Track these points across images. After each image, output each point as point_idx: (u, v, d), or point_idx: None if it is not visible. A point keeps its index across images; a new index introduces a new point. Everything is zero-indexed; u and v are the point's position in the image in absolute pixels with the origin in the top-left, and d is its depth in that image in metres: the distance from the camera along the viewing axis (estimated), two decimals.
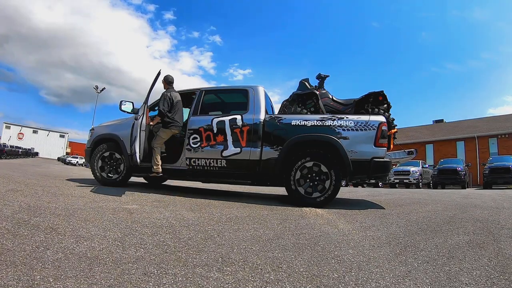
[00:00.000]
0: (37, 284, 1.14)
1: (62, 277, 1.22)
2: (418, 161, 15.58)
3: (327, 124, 3.63)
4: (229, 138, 3.86)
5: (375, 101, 4.21)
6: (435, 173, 13.67)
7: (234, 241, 1.92)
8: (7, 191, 3.09)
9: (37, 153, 48.06)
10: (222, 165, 3.89)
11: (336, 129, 3.58)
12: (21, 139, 52.17)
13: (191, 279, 1.30)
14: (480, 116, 30.37)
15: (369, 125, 3.55)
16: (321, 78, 4.62)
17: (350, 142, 3.52)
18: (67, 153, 52.27)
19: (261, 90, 4.09)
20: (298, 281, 1.34)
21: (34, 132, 56.85)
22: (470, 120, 25.51)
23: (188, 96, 4.56)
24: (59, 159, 42.08)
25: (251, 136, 3.80)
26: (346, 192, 6.80)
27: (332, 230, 2.38)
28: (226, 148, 3.85)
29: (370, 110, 4.13)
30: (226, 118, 3.93)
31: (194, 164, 4.01)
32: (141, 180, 6.24)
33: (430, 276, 1.46)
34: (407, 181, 13.92)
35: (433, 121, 29.26)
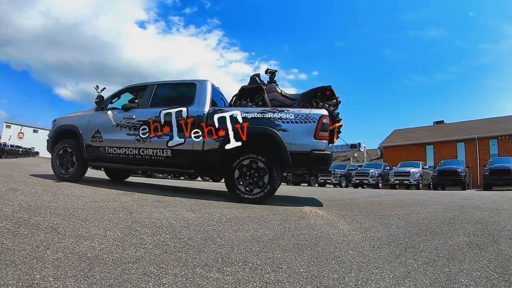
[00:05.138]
0: (36, 283, 1.14)
1: (62, 276, 1.22)
2: (418, 162, 15.62)
3: (267, 116, 3.70)
4: (175, 129, 4.01)
5: (323, 96, 4.33)
6: (435, 174, 13.67)
7: (234, 242, 1.92)
8: (7, 190, 3.09)
9: (37, 153, 48.06)
10: (168, 154, 4.03)
11: (275, 121, 3.66)
12: (22, 138, 52.23)
13: (191, 279, 1.30)
14: (480, 117, 30.35)
15: (309, 118, 3.61)
16: (270, 73, 4.80)
17: (289, 134, 3.59)
18: None
19: (208, 84, 4.24)
20: (298, 282, 1.34)
21: (35, 131, 56.88)
22: (470, 121, 25.51)
23: (141, 90, 4.70)
24: None
25: (194, 128, 3.92)
26: (346, 193, 6.80)
27: (332, 231, 2.37)
28: (171, 138, 3.99)
29: (314, 104, 4.24)
30: (173, 110, 4.07)
31: (143, 153, 4.15)
32: (141, 180, 6.25)
33: (430, 277, 1.45)
34: (407, 182, 13.95)
35: (433, 122, 29.26)
